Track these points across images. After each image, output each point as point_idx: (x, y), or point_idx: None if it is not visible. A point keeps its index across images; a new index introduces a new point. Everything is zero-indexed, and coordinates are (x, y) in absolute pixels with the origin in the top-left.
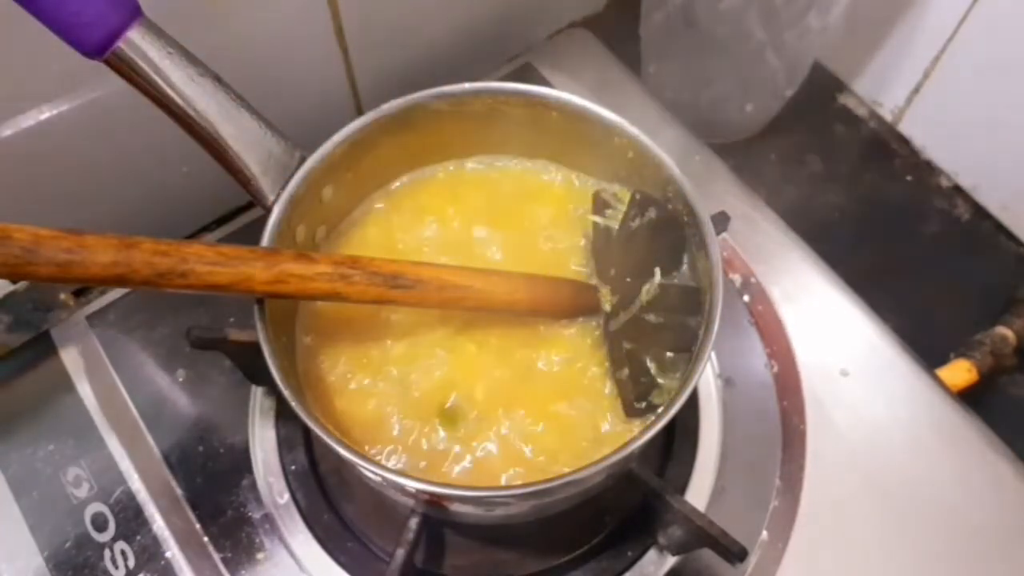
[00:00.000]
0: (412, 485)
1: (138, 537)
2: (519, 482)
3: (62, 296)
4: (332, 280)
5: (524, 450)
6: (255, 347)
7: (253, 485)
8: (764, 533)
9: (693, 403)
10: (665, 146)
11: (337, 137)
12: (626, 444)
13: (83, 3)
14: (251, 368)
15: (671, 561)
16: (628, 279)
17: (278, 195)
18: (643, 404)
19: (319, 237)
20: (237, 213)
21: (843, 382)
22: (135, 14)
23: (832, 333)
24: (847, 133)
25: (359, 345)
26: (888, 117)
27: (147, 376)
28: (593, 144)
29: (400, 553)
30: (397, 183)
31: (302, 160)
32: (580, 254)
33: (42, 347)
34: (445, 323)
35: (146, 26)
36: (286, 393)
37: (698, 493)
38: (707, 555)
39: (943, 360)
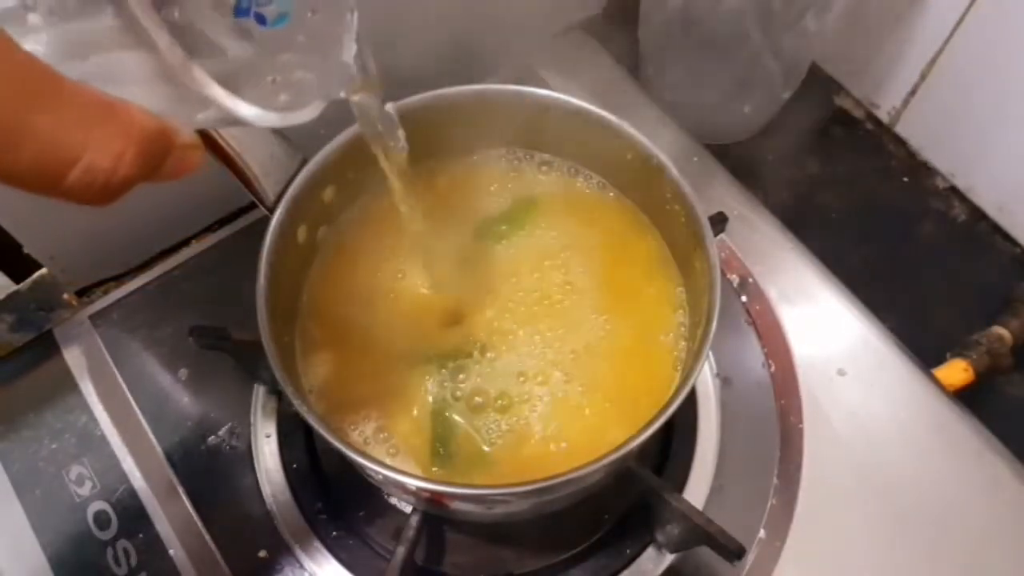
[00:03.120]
0: (413, 483)
1: (140, 535)
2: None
3: (65, 296)
4: None
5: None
6: (257, 346)
7: (255, 483)
8: (761, 531)
9: (691, 402)
10: (664, 148)
11: (338, 139)
12: (625, 443)
13: None
14: (253, 367)
15: (669, 559)
16: None
17: (280, 196)
18: None
19: (320, 237)
20: (239, 214)
21: (840, 381)
22: None
23: (829, 333)
24: (844, 134)
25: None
26: (885, 119)
27: (149, 375)
28: (592, 146)
29: (401, 551)
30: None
31: (304, 162)
32: None
33: (45, 346)
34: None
35: None
36: (288, 391)
37: (696, 491)
38: (705, 553)
39: (940, 360)
